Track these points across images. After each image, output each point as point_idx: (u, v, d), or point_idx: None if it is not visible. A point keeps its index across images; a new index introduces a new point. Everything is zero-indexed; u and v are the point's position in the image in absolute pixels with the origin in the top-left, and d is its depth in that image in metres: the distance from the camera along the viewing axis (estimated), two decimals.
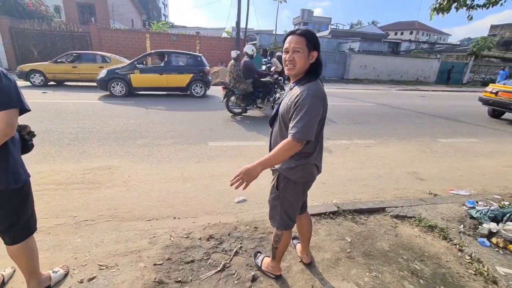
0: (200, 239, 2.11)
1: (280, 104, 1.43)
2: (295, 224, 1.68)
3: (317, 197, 2.92)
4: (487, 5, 3.05)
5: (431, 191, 3.15)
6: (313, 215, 2.49)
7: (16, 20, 14.79)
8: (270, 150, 1.48)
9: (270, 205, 1.60)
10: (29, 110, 1.26)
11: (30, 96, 7.41)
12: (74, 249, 1.94)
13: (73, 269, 1.75)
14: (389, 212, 2.61)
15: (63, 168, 3.24)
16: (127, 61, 10.35)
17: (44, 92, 8.15)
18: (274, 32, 35.03)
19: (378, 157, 4.22)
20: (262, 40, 26.66)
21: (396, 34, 54.12)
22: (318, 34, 35.49)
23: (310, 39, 1.29)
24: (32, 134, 1.43)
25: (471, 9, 3.23)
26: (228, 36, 21.99)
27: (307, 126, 1.22)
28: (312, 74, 1.34)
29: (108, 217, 2.36)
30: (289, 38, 1.31)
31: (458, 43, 45.26)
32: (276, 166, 1.47)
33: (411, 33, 55.23)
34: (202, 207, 2.62)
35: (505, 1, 2.97)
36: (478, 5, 3.20)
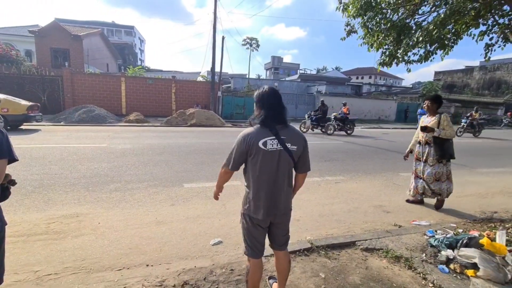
0: (174, 286, 2.05)
1: None
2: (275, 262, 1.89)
3: (292, 234, 2.95)
4: (420, 61, 3.70)
5: (396, 223, 3.38)
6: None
7: None
8: None
9: None
10: (17, 160, 1.33)
11: None
12: None
13: None
14: (359, 245, 2.75)
15: (24, 218, 3.04)
16: (24, 103, 9.70)
17: None
18: (247, 76, 37.32)
19: (347, 193, 4.47)
20: (236, 83, 28.16)
21: (357, 78, 60.11)
22: (288, 78, 38.41)
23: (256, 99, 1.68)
24: (13, 182, 1.45)
25: (408, 63, 3.89)
26: (204, 80, 23.01)
27: (227, 156, 1.68)
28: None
29: (74, 269, 2.22)
30: None
31: (411, 86, 51.14)
32: None
33: (370, 77, 61.72)
34: (177, 252, 2.56)
35: (433, 58, 3.65)
36: (413, 60, 3.87)
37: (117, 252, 2.50)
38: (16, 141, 7.23)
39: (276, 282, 2.03)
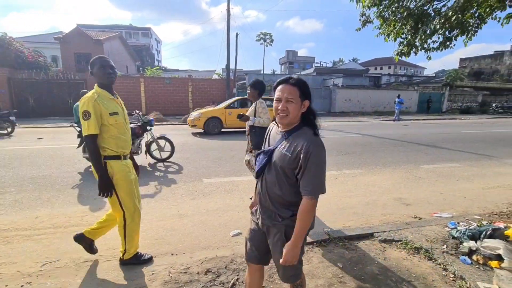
0: (198, 273, 2.19)
1: (271, 153, 1.37)
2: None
3: None
4: (440, 48, 3.57)
5: (416, 215, 3.33)
6: (306, 244, 2.60)
7: (15, 71, 15.50)
8: (261, 201, 1.44)
9: (283, 266, 1.38)
10: None
11: (27, 143, 7.56)
12: None
13: None
14: (377, 237, 2.75)
15: (61, 212, 3.31)
16: None
17: (40, 138, 8.31)
18: (262, 72, 37.26)
19: (365, 185, 4.43)
20: (251, 80, 28.12)
21: (376, 69, 58.11)
22: (303, 72, 37.89)
23: (302, 90, 1.30)
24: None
25: (428, 51, 3.76)
26: (219, 78, 23.26)
27: (323, 181, 1.27)
28: (307, 123, 1.34)
29: (107, 256, 2.42)
30: (281, 87, 1.30)
31: (434, 75, 48.68)
32: (281, 220, 1.38)
33: (389, 67, 59.44)
34: (199, 242, 2.70)
35: (454, 45, 3.50)
36: (433, 48, 3.74)
37: (144, 242, 2.67)
38: (49, 142, 7.75)
39: None
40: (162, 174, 4.87)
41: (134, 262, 2.29)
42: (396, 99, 16.63)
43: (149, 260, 2.35)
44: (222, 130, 10.03)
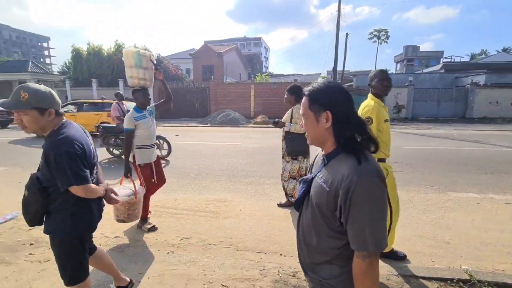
0: (306, 280, 2.17)
1: (309, 182, 1.00)
2: None
3: (439, 258, 2.52)
4: None
5: None
6: (435, 279, 2.17)
7: None
8: (300, 242, 1.10)
9: None
10: None
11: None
12: (203, 267, 2.36)
13: (204, 284, 2.13)
14: None
15: (192, 198, 4.03)
16: None
17: (176, 135, 10.40)
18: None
19: None
20: (359, 81, 26.05)
21: None
22: (425, 70, 32.05)
23: (314, 98, 0.96)
24: None
25: None
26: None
27: (380, 231, 0.82)
28: (346, 143, 0.91)
29: (226, 243, 2.75)
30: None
31: None
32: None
33: None
34: None
35: None
36: None
37: (255, 237, 2.89)
38: (183, 139, 9.62)
39: None
40: (269, 174, 5.16)
41: (390, 257, 2.43)
42: None
43: (403, 258, 2.45)
44: None
